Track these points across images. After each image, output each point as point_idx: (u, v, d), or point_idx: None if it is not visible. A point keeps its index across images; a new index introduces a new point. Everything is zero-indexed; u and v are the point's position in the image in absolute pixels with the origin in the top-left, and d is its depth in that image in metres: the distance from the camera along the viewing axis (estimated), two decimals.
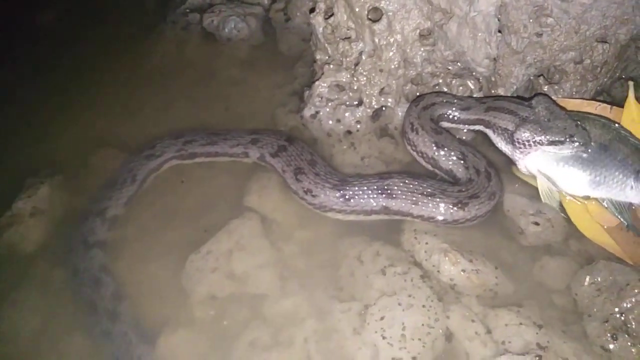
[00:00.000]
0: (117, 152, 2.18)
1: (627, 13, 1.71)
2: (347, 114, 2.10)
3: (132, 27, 2.93)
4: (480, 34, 1.79)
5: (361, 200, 1.80)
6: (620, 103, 1.90)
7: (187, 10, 2.88)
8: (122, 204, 2.00)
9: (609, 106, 1.79)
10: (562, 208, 1.72)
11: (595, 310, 1.49)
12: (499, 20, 1.78)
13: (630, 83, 1.74)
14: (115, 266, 1.83)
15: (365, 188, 1.80)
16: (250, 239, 1.83)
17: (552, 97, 1.87)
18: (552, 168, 1.70)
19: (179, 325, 1.65)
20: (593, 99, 1.89)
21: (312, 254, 1.79)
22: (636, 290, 1.44)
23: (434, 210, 1.72)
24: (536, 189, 1.77)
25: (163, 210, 2.00)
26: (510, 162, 1.87)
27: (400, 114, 2.08)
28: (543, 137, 1.66)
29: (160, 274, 1.79)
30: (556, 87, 1.88)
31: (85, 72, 2.64)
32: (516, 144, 1.70)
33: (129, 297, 1.74)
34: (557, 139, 1.65)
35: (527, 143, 1.68)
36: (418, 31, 1.95)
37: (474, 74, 1.98)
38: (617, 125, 1.70)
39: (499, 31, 1.80)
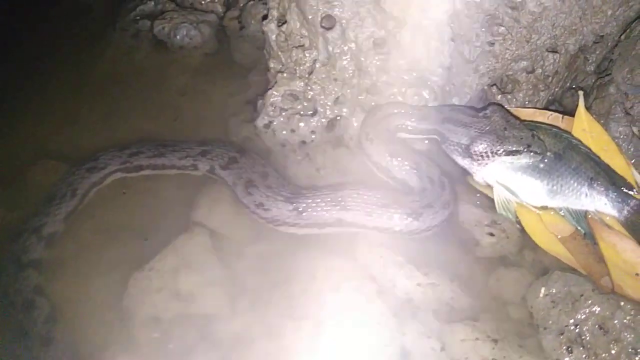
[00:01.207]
0: (57, 164, 2.06)
1: (575, 23, 1.72)
2: (301, 124, 2.04)
3: (79, 34, 2.80)
4: (433, 43, 1.77)
5: (315, 213, 1.74)
6: (571, 112, 1.92)
7: (137, 17, 2.77)
8: (60, 220, 1.88)
9: (561, 115, 1.80)
10: (518, 220, 1.71)
11: (550, 322, 1.46)
12: (451, 28, 1.77)
13: (581, 93, 1.76)
14: (51, 287, 1.72)
15: (319, 200, 1.74)
16: (198, 256, 1.75)
17: (506, 106, 1.87)
18: (510, 178, 1.69)
19: (120, 350, 1.55)
20: (545, 108, 1.90)
21: (264, 271, 1.71)
22: (590, 301, 1.43)
23: (388, 221, 1.68)
24: (491, 199, 1.76)
25: (105, 226, 1.89)
26: (466, 172, 1.85)
27: (355, 123, 2.03)
28: (500, 147, 1.64)
29: (100, 294, 1.69)
30: (509, 96, 1.88)
31: (26, 78, 2.49)
32: (474, 155, 1.68)
33: (65, 320, 1.63)
34: (514, 148, 1.63)
35: (484, 154, 1.67)
36: (372, 40, 1.92)
37: (428, 83, 1.96)
38: (567, 134, 1.71)
39: (452, 40, 1.79)
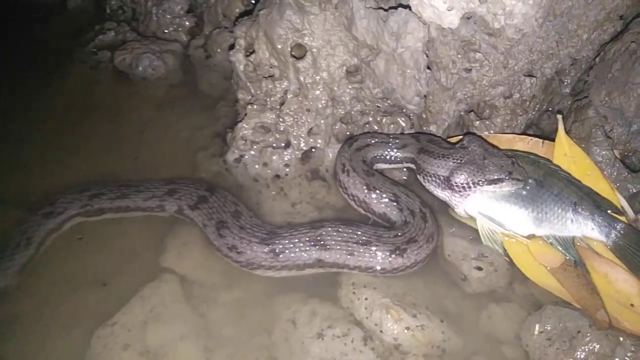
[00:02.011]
0: (10, 209, 1.92)
1: (551, 48, 1.70)
2: (274, 157, 1.95)
3: (33, 67, 2.67)
4: (409, 71, 1.71)
5: (292, 255, 1.64)
6: (549, 135, 1.90)
7: (97, 48, 2.68)
8: (14, 272, 1.73)
9: (541, 140, 1.76)
10: (505, 251, 1.64)
11: None
12: (427, 56, 1.71)
13: (560, 117, 1.72)
14: (4, 348, 1.56)
15: (296, 240, 1.64)
16: (168, 306, 1.63)
17: (485, 132, 1.83)
18: (493, 208, 1.63)
19: None
20: (524, 133, 1.87)
21: (240, 319, 1.60)
22: (588, 338, 1.36)
23: (371, 260, 1.59)
24: (476, 230, 1.69)
25: (65, 276, 1.75)
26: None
27: (331, 155, 1.96)
28: (482, 177, 1.59)
29: (59, 354, 1.55)
30: (487, 122, 1.84)
31: None
32: (454, 187, 1.62)
33: None
34: (496, 177, 1.58)
35: (465, 185, 1.61)
36: (345, 68, 1.86)
37: (404, 111, 1.91)
38: (545, 160, 1.67)
39: (428, 67, 1.74)
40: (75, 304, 1.66)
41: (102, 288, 1.68)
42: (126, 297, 1.63)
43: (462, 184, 1.61)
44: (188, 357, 1.51)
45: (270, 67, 1.92)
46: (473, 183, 1.60)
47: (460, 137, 1.75)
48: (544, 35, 1.65)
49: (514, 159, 1.63)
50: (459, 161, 1.63)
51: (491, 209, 1.63)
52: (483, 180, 1.59)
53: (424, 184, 1.73)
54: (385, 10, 1.70)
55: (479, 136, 1.72)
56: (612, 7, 1.65)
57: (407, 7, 1.62)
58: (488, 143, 1.69)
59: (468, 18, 1.58)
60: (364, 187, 1.75)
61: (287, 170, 1.96)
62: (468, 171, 1.60)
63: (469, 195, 1.62)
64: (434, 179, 1.67)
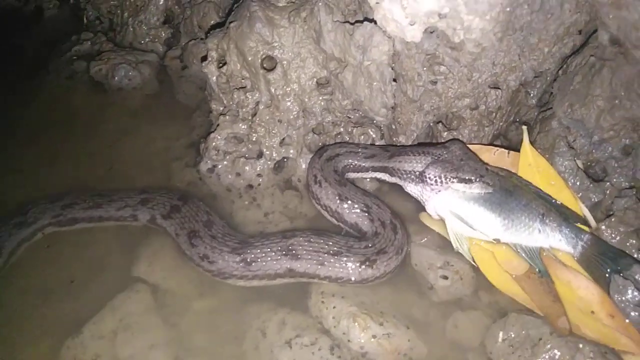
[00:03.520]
0: None
1: (514, 61, 1.74)
2: (247, 167, 1.97)
3: (8, 76, 2.66)
4: (375, 83, 1.75)
5: (264, 264, 1.65)
6: (516, 146, 1.93)
7: (73, 58, 2.67)
8: None
9: (507, 151, 1.80)
10: (471, 256, 1.67)
11: None
12: (393, 69, 1.75)
13: (525, 128, 1.76)
14: None
15: (268, 250, 1.66)
16: (139, 316, 1.64)
17: None
18: (462, 208, 1.66)
19: None
20: (490, 143, 1.90)
21: (211, 328, 1.61)
22: (549, 345, 1.39)
23: (341, 270, 1.61)
24: (443, 239, 1.73)
25: (36, 286, 1.75)
26: (417, 211, 1.82)
27: (303, 165, 1.98)
28: (454, 174, 1.64)
29: None
30: (455, 133, 1.87)
31: None
32: (427, 180, 1.67)
33: None
34: (467, 177, 1.63)
35: (438, 180, 1.65)
36: (315, 80, 1.88)
37: (374, 122, 1.94)
38: (516, 176, 1.71)
39: (394, 80, 1.77)
40: (46, 314, 1.66)
41: (75, 296, 1.68)
42: (97, 307, 1.63)
43: (434, 177, 1.65)
44: None
45: (242, 79, 1.94)
46: (445, 178, 1.64)
47: None
48: (506, 48, 1.69)
49: (488, 167, 1.68)
50: (437, 157, 1.68)
51: (460, 208, 1.66)
52: (455, 177, 1.63)
53: (401, 184, 1.77)
54: (352, 24, 1.73)
55: (463, 142, 1.77)
56: (571, 22, 1.70)
57: (373, 21, 1.65)
58: (470, 150, 1.73)
59: (430, 32, 1.62)
60: (336, 198, 1.78)
61: (260, 180, 1.97)
62: (442, 167, 1.65)
63: (439, 191, 1.66)
64: (409, 175, 1.72)
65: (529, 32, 1.69)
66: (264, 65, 1.88)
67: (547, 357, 1.39)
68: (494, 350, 1.47)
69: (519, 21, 1.63)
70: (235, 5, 2.00)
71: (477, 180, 1.62)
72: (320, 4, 1.74)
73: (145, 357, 1.54)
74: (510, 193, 1.66)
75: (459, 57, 1.67)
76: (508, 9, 1.48)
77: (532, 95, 1.93)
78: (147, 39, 2.67)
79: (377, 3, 1.53)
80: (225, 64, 1.95)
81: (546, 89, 1.91)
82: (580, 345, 1.38)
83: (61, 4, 3.08)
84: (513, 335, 1.46)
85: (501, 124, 1.91)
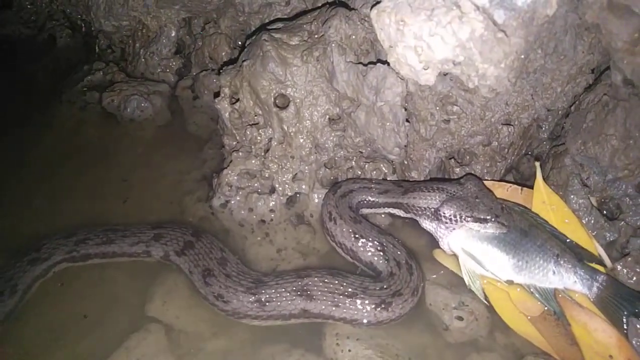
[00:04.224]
0: None
1: (526, 100, 1.75)
2: (259, 203, 1.97)
3: (20, 107, 2.68)
4: (388, 124, 1.75)
5: (278, 304, 1.65)
6: (528, 178, 1.94)
7: (85, 89, 2.69)
8: None
9: (520, 187, 1.80)
10: (484, 295, 1.66)
11: None
12: (405, 109, 1.76)
13: (538, 164, 1.76)
14: None
15: (283, 290, 1.66)
16: (153, 357, 1.63)
17: None
18: (475, 247, 1.66)
19: None
20: (502, 179, 1.90)
21: None
22: None
23: (356, 312, 1.61)
24: (457, 277, 1.72)
25: (50, 325, 1.74)
26: (431, 247, 1.82)
27: (315, 199, 1.98)
28: (469, 213, 1.63)
29: None
30: (467, 168, 1.88)
31: None
32: (442, 218, 1.67)
33: None
34: (482, 216, 1.62)
35: (452, 218, 1.65)
36: (327, 117, 1.90)
37: (386, 158, 1.94)
38: (533, 213, 1.70)
39: (407, 120, 1.78)
40: (60, 354, 1.65)
41: (88, 336, 1.68)
42: (111, 347, 1.62)
43: (449, 216, 1.65)
44: None
45: (255, 116, 1.95)
46: (460, 217, 1.64)
47: None
48: (519, 90, 1.70)
49: (503, 205, 1.67)
50: (452, 195, 1.68)
51: (474, 248, 1.65)
52: (470, 216, 1.63)
53: (415, 218, 1.77)
54: (365, 65, 1.74)
55: (479, 178, 1.77)
56: (584, 62, 1.71)
57: (386, 62, 1.67)
58: (485, 186, 1.73)
59: (444, 75, 1.63)
60: (352, 235, 1.77)
61: (272, 215, 1.98)
62: (457, 205, 1.65)
63: (454, 229, 1.66)
64: (423, 212, 1.72)
65: (542, 73, 1.70)
66: (277, 103, 1.89)
67: None
68: None
69: (533, 65, 1.65)
70: (248, 42, 2.02)
71: (493, 220, 1.62)
72: (333, 44, 1.76)
73: None
74: (525, 233, 1.65)
75: (472, 99, 1.68)
76: (522, 56, 1.49)
77: (543, 129, 1.93)
78: (158, 69, 2.69)
79: (390, 47, 1.54)
80: (237, 100, 1.96)
81: (558, 122, 1.92)
82: None
83: (73, 33, 3.11)
84: None
85: (513, 158, 1.91)
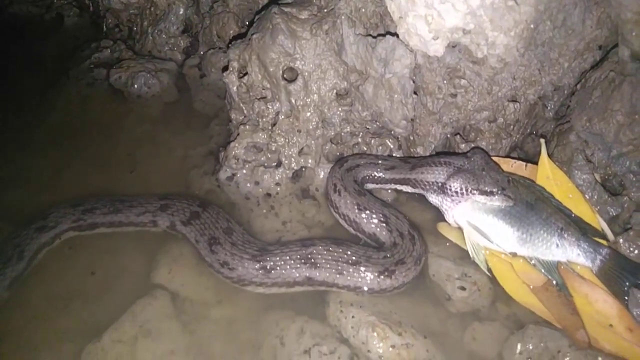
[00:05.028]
0: (3, 224, 1.94)
1: (534, 75, 1.76)
2: (265, 176, 1.99)
3: (29, 84, 2.70)
4: (396, 96, 1.77)
5: (283, 272, 1.67)
6: (532, 158, 1.95)
7: (92, 66, 2.70)
8: (5, 286, 1.74)
9: (524, 163, 1.81)
10: (487, 267, 1.68)
11: None
12: (414, 82, 1.77)
13: (543, 141, 1.78)
14: None
15: (287, 258, 1.68)
16: (159, 322, 1.64)
17: None
18: (481, 220, 1.67)
19: None
20: (508, 155, 1.92)
21: (230, 335, 1.62)
22: (568, 358, 1.40)
23: (359, 280, 1.62)
24: (461, 249, 1.74)
25: (57, 291, 1.76)
26: (435, 221, 1.83)
27: (321, 174, 2.00)
28: (475, 185, 1.64)
29: None
30: (472, 145, 1.89)
31: None
32: (448, 191, 1.68)
33: None
34: (489, 189, 1.63)
35: (458, 191, 1.66)
36: (335, 91, 1.91)
37: (392, 133, 1.96)
38: (539, 187, 1.72)
39: (415, 93, 1.79)
40: (66, 319, 1.67)
41: (95, 302, 1.70)
42: (117, 312, 1.64)
43: (455, 189, 1.66)
44: None
45: (263, 89, 1.97)
46: (466, 190, 1.65)
47: None
48: (526, 63, 1.71)
49: (510, 178, 1.68)
50: (458, 168, 1.69)
51: (479, 220, 1.67)
52: (476, 189, 1.64)
53: (423, 194, 1.78)
54: (374, 37, 1.75)
55: (486, 152, 1.78)
56: (592, 38, 1.72)
57: (395, 34, 1.68)
58: (491, 159, 1.74)
59: (453, 47, 1.64)
60: (355, 207, 1.79)
61: (278, 189, 1.99)
62: (464, 178, 1.65)
63: (460, 202, 1.67)
64: (431, 186, 1.72)
65: (549, 48, 1.71)
66: (285, 76, 1.90)
67: None
68: None
69: (541, 37, 1.65)
70: (257, 17, 2.04)
71: (499, 192, 1.63)
72: (342, 17, 1.77)
73: None
74: (531, 207, 1.66)
75: (480, 71, 1.69)
76: (532, 26, 1.50)
77: (549, 108, 1.94)
78: (166, 48, 2.70)
79: (400, 17, 1.56)
80: (246, 74, 1.97)
81: (563, 102, 1.93)
82: (599, 359, 1.39)
83: (81, 12, 3.13)
84: (531, 347, 1.47)
85: (518, 136, 1.92)
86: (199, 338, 1.61)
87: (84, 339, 1.58)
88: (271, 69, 1.89)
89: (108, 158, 2.25)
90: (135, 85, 2.53)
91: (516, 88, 1.78)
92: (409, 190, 1.85)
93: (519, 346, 1.48)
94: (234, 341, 1.60)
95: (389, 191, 1.98)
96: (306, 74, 1.88)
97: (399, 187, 1.88)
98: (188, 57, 2.70)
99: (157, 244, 1.86)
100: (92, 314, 1.68)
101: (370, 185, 1.92)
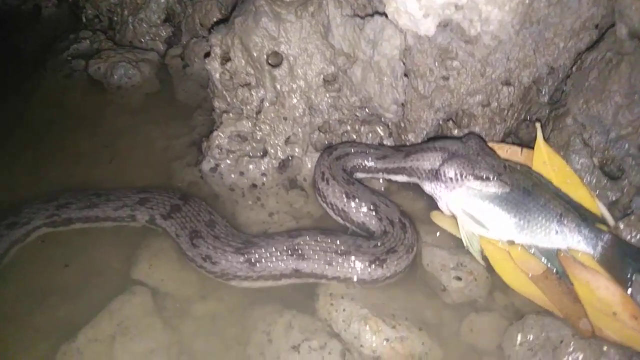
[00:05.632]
0: None
1: (528, 56, 1.69)
2: (250, 166, 1.91)
3: (4, 75, 2.59)
4: (386, 79, 1.69)
5: (269, 264, 1.58)
6: (527, 144, 1.89)
7: (71, 57, 2.61)
8: None
9: (520, 149, 1.75)
10: (483, 256, 1.61)
11: None
12: (404, 64, 1.70)
13: (538, 124, 1.71)
14: None
15: (273, 249, 1.60)
16: (138, 319, 1.56)
17: None
18: (476, 207, 1.60)
19: None
20: (502, 141, 1.85)
21: (214, 332, 1.54)
22: (571, 348, 1.33)
23: (350, 270, 1.55)
24: (455, 238, 1.67)
25: (30, 290, 1.67)
26: (428, 210, 1.77)
27: (309, 164, 1.92)
28: (470, 171, 1.57)
29: None
30: (466, 130, 1.82)
31: None
32: (442, 177, 1.60)
33: None
34: (484, 175, 1.56)
35: (453, 177, 1.59)
36: (322, 76, 1.83)
37: (382, 120, 1.88)
38: (536, 173, 1.65)
39: (405, 75, 1.72)
40: (40, 318, 1.58)
41: (70, 300, 1.61)
42: (94, 310, 1.56)
43: (449, 175, 1.58)
44: None
45: (247, 75, 1.88)
46: (461, 176, 1.57)
47: None
48: (521, 43, 1.64)
49: (506, 164, 1.62)
50: (453, 153, 1.61)
51: (474, 208, 1.60)
52: (471, 174, 1.57)
53: (418, 183, 1.70)
54: (362, 17, 1.68)
55: (481, 137, 1.71)
56: (588, 16, 1.66)
57: (384, 14, 1.60)
58: (487, 145, 1.67)
59: (444, 26, 1.57)
60: (343, 196, 1.71)
61: (264, 179, 1.91)
62: (458, 163, 1.58)
63: (454, 188, 1.59)
64: (427, 174, 1.65)
65: (545, 26, 1.64)
66: (270, 61, 1.82)
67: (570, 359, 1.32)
68: (512, 353, 1.41)
69: (536, 14, 1.58)
70: (240, 0, 1.95)
71: (495, 178, 1.56)
72: None
73: None
74: (528, 192, 1.60)
75: (473, 51, 1.62)
76: (527, 1, 1.43)
77: (543, 92, 1.88)
78: (147, 38, 2.62)
79: None
80: (229, 60, 1.89)
81: (558, 87, 1.87)
82: (605, 348, 1.32)
83: (60, 3, 3.03)
84: (532, 338, 1.40)
85: (512, 122, 1.86)
86: (181, 335, 1.52)
87: (58, 338, 1.50)
88: (255, 54, 1.80)
89: (87, 151, 2.16)
90: (115, 76, 2.45)
91: (510, 70, 1.71)
92: (403, 180, 1.77)
93: (519, 337, 1.41)
94: (218, 338, 1.52)
95: (381, 181, 1.90)
96: (292, 58, 1.80)
97: (392, 177, 1.80)
98: (170, 47, 2.63)
99: (136, 239, 1.78)
100: (68, 313, 1.59)
101: (360, 175, 1.85)
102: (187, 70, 2.52)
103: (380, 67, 1.68)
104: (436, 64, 1.69)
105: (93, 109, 2.38)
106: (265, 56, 1.82)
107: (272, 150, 1.90)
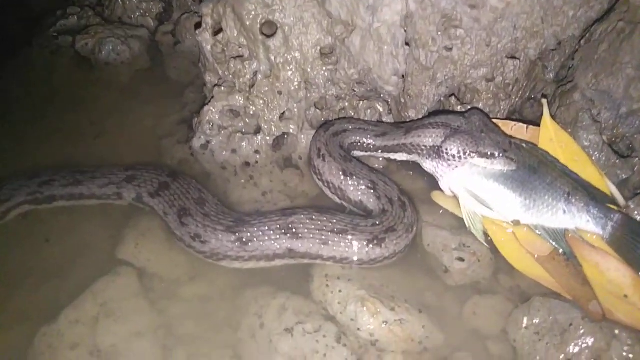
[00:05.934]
0: None
1: (536, 25, 1.60)
2: (243, 144, 1.82)
3: None
4: (386, 47, 1.60)
5: (261, 244, 1.51)
6: (533, 122, 1.81)
7: (57, 33, 2.51)
8: None
9: (525, 125, 1.66)
10: (485, 237, 1.54)
11: (538, 358, 1.28)
12: (405, 32, 1.61)
13: (545, 100, 1.64)
14: None
15: (266, 228, 1.52)
16: (123, 301, 1.49)
17: None
18: (480, 185, 1.52)
19: None
20: (507, 118, 1.77)
21: (203, 314, 1.47)
22: (581, 332, 1.25)
23: (347, 250, 1.47)
24: (458, 219, 1.59)
25: (10, 269, 1.61)
26: (429, 190, 1.69)
27: (304, 141, 1.84)
28: (474, 148, 1.49)
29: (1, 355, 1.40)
30: (469, 107, 1.73)
31: None
32: (444, 155, 1.52)
33: None
34: (489, 151, 1.48)
35: (456, 154, 1.51)
36: (319, 48, 1.74)
37: (382, 95, 1.80)
38: (542, 150, 1.58)
39: (407, 44, 1.63)
40: (20, 299, 1.52)
41: (53, 281, 1.54)
42: (77, 291, 1.49)
43: (452, 152, 1.50)
44: (144, 357, 1.38)
45: (239, 47, 1.79)
46: (464, 153, 1.49)
47: None
48: (529, 10, 1.55)
49: (512, 140, 1.54)
50: (455, 129, 1.53)
51: (478, 186, 1.52)
52: (475, 151, 1.49)
53: (418, 161, 1.63)
54: None
55: (484, 112, 1.62)
56: None
57: None
58: (490, 120, 1.59)
59: None
60: (340, 173, 1.63)
61: (258, 157, 1.83)
62: (461, 140, 1.50)
63: (456, 166, 1.51)
64: (428, 151, 1.57)
65: None
66: (264, 30, 1.73)
67: (580, 344, 1.26)
68: (517, 337, 1.34)
69: None
70: None
71: (500, 155, 1.48)
72: None
73: (129, 346, 1.40)
74: (534, 170, 1.52)
75: (479, 16, 1.52)
76: None
77: (549, 69, 1.81)
78: (137, 14, 2.52)
79: None
80: (221, 30, 1.79)
81: (564, 64, 1.79)
82: (617, 332, 1.25)
83: None
84: (539, 321, 1.33)
85: (517, 99, 1.78)
86: (168, 318, 1.46)
87: (39, 320, 1.43)
88: (248, 23, 1.71)
89: (74, 129, 2.08)
90: (103, 52, 2.35)
91: (517, 40, 1.62)
92: (403, 159, 1.68)
93: (525, 320, 1.34)
94: (208, 321, 1.45)
95: (380, 159, 1.82)
96: (286, 27, 1.71)
97: (392, 155, 1.71)
98: (161, 23, 2.54)
99: (122, 218, 1.70)
100: (49, 294, 1.52)
101: (358, 153, 1.76)
102: (179, 47, 2.43)
103: (380, 35, 1.58)
104: (439, 33, 1.59)
105: (81, 86, 2.30)
106: (258, 25, 1.73)
107: (266, 127, 1.82)
